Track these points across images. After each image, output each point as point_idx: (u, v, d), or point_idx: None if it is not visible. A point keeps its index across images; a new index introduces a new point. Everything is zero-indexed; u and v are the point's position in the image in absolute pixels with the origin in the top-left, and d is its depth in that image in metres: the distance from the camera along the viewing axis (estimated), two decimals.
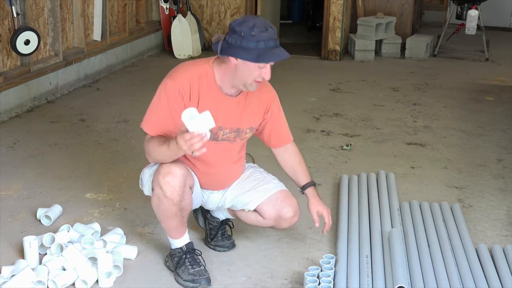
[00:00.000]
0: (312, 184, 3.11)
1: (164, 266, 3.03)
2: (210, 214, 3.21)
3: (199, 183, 2.96)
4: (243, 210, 3.03)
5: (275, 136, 3.06)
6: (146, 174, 2.93)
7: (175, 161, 2.82)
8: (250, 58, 2.64)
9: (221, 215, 3.19)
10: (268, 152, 3.15)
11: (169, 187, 2.74)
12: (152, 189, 2.84)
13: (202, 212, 3.24)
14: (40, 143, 4.58)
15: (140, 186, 3.01)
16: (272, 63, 2.70)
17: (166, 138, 2.73)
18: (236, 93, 2.85)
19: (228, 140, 2.89)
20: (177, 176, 2.74)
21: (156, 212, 2.87)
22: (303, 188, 3.10)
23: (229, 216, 3.19)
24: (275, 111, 3.00)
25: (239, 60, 2.67)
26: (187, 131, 2.51)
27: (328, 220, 3.08)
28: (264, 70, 2.69)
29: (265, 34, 2.62)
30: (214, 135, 2.83)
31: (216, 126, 2.80)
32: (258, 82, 2.73)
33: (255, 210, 3.00)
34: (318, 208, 3.07)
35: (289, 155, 3.11)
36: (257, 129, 3.01)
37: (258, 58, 2.63)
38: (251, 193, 2.99)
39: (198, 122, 2.47)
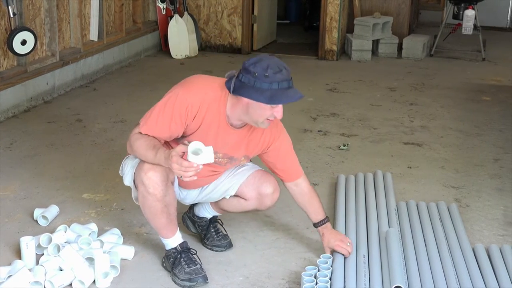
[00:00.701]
0: (323, 222, 3.08)
1: (161, 266, 3.03)
2: (197, 216, 3.22)
3: (178, 183, 2.98)
4: (224, 198, 3.05)
5: (281, 170, 3.03)
6: (128, 165, 2.92)
7: None
8: (262, 99, 2.62)
9: (207, 213, 3.21)
10: None
11: (151, 182, 2.74)
12: (137, 188, 2.84)
13: (190, 218, 3.26)
14: (37, 143, 4.57)
15: (120, 173, 3.00)
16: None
17: (155, 143, 2.71)
18: (240, 125, 2.84)
19: (219, 164, 2.91)
20: (158, 171, 2.73)
21: (143, 212, 2.87)
22: (315, 226, 3.10)
23: (215, 213, 3.20)
24: (277, 147, 2.96)
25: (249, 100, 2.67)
26: (183, 154, 2.52)
27: (344, 250, 3.02)
28: (276, 109, 2.68)
29: (279, 75, 2.61)
30: None
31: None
32: (270, 120, 2.73)
33: (236, 195, 3.02)
34: (330, 244, 3.05)
35: (299, 192, 3.06)
36: (264, 153, 2.98)
37: (270, 100, 2.61)
38: (228, 180, 3.01)
39: (201, 156, 2.50)
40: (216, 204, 3.15)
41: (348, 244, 3.04)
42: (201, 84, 2.79)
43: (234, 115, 2.77)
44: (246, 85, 2.63)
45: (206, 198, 3.10)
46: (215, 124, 2.78)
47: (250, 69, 2.63)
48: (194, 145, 2.51)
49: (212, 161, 2.53)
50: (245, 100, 2.67)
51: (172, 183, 2.87)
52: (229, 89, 2.69)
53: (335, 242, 3.03)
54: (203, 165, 2.56)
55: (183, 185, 3.00)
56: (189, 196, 3.09)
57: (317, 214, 3.08)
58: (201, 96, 2.73)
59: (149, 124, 2.76)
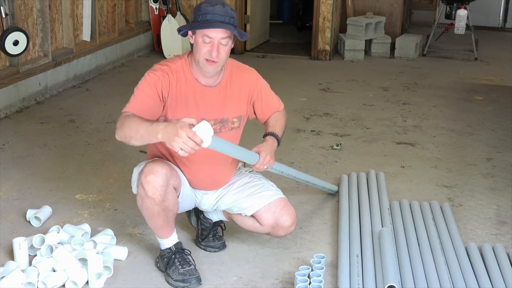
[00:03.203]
0: (274, 135, 2.96)
1: (154, 266, 3.02)
2: (203, 214, 3.20)
3: (188, 182, 2.96)
4: (240, 214, 3.02)
5: (267, 110, 3.05)
6: (135, 173, 2.93)
7: (160, 160, 2.82)
8: (188, 27, 2.75)
9: (215, 217, 3.18)
10: None
11: (150, 186, 2.74)
12: (137, 188, 2.84)
13: (195, 212, 3.23)
14: (30, 144, 4.56)
15: (132, 184, 3.01)
16: (225, 44, 2.72)
17: (149, 119, 2.67)
18: (214, 83, 2.86)
19: (214, 132, 2.87)
20: (158, 175, 2.73)
21: (140, 211, 2.87)
22: (264, 136, 2.98)
23: (224, 219, 3.17)
24: (260, 92, 3.00)
25: (193, 39, 2.75)
26: (188, 130, 2.42)
27: (260, 164, 2.84)
28: (209, 47, 2.71)
29: (210, 8, 2.70)
30: None
31: (199, 118, 2.80)
32: (210, 62, 2.74)
33: (252, 216, 2.99)
34: (261, 148, 2.87)
35: (272, 116, 3.07)
36: (248, 116, 3.01)
37: (193, 26, 2.71)
38: (249, 199, 2.98)
39: (204, 132, 2.48)
40: (228, 213, 3.12)
41: (265, 167, 2.89)
42: (160, 63, 2.90)
43: (199, 73, 2.82)
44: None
45: (222, 208, 3.07)
46: (190, 91, 2.82)
47: (193, 10, 2.78)
48: (199, 125, 2.48)
49: (212, 133, 2.49)
50: (193, 46, 2.77)
51: (176, 189, 2.85)
52: (182, 34, 2.82)
53: (261, 151, 2.85)
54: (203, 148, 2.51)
55: (193, 182, 2.97)
56: (204, 202, 3.06)
57: (274, 130, 3.01)
58: (164, 68, 2.82)
59: (131, 103, 2.79)
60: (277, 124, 3.04)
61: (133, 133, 2.60)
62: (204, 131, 2.46)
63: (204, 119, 2.81)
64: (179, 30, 2.82)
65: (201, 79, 2.84)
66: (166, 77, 2.79)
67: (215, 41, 2.70)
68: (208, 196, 3.04)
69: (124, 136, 2.65)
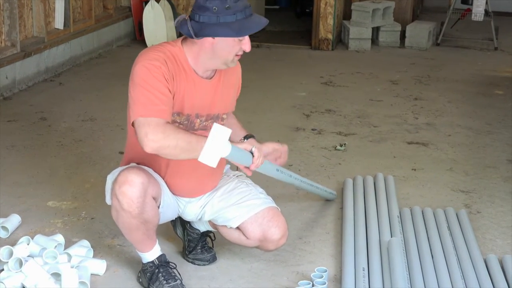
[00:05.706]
0: (252, 136, 3.01)
1: (136, 282, 3.03)
2: (190, 224, 3.20)
3: (170, 189, 2.96)
4: (225, 226, 3.03)
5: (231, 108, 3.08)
6: (109, 181, 2.92)
7: (135, 167, 2.80)
8: (232, 33, 2.66)
9: (202, 227, 3.18)
10: None
11: (125, 198, 2.72)
12: (111, 199, 2.83)
13: (181, 221, 3.23)
14: None
15: (105, 194, 3.00)
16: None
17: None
18: (210, 75, 2.85)
19: (204, 129, 2.87)
20: (134, 185, 2.72)
21: (117, 224, 2.87)
22: (245, 138, 2.99)
23: (211, 229, 3.17)
24: (239, 88, 3.07)
25: (217, 38, 2.68)
26: None
27: (256, 158, 2.79)
28: (244, 42, 2.72)
29: (240, 2, 2.66)
30: (191, 124, 2.82)
31: (193, 113, 2.80)
32: (238, 55, 2.77)
33: (238, 228, 2.99)
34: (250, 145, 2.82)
35: (233, 116, 3.10)
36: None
37: (239, 31, 2.66)
38: (234, 208, 2.97)
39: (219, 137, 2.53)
40: (214, 224, 3.11)
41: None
42: (150, 48, 2.82)
43: (200, 65, 2.79)
44: (207, 24, 2.66)
45: (207, 219, 3.07)
46: (189, 80, 2.78)
47: (207, 5, 2.64)
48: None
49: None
50: (208, 42, 2.70)
51: (155, 199, 2.84)
52: (189, 35, 2.70)
53: (256, 150, 2.80)
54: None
55: (175, 188, 2.97)
56: (188, 211, 3.06)
57: (244, 131, 3.05)
58: (160, 54, 2.73)
59: (156, 106, 2.64)
60: (242, 127, 3.09)
61: (181, 145, 2.61)
62: (220, 135, 2.54)
63: (198, 114, 2.82)
64: (213, 35, 2.68)
65: (198, 70, 2.80)
66: (165, 66, 2.71)
67: (247, 36, 2.73)
68: (192, 205, 3.04)
69: (174, 147, 2.61)
